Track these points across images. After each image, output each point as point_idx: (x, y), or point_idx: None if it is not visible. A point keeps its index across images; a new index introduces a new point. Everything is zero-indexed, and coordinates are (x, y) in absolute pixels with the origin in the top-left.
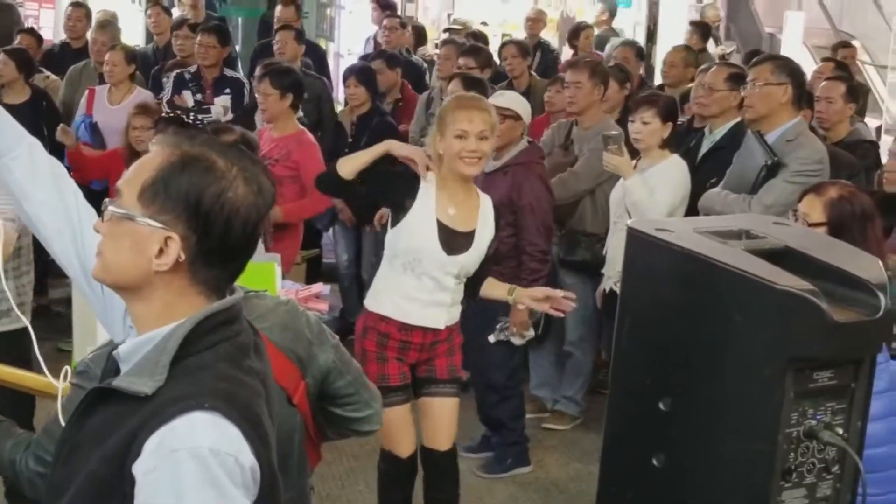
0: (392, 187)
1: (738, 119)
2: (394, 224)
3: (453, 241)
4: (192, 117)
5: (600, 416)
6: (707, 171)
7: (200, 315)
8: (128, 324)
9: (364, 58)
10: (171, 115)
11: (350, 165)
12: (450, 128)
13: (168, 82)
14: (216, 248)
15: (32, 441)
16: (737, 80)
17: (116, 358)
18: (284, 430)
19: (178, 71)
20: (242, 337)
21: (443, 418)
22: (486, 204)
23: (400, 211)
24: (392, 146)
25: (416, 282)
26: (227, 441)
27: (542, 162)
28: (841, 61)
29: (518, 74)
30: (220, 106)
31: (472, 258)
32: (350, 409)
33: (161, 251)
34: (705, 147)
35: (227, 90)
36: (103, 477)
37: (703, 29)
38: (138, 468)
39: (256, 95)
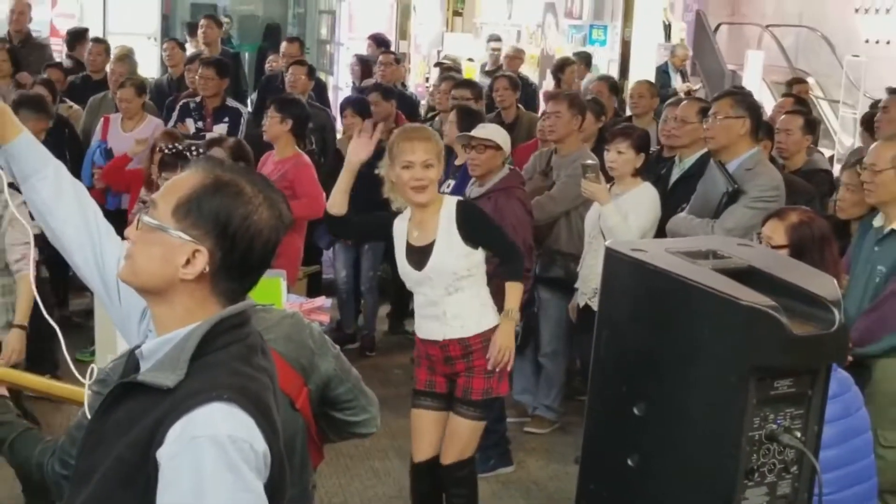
0: (377, 230)
1: (706, 149)
2: None
3: (418, 257)
4: (185, 145)
5: (577, 420)
6: (678, 197)
7: (216, 318)
8: (143, 329)
9: (361, 90)
10: (174, 149)
11: (334, 201)
12: (397, 159)
13: (175, 111)
14: (237, 264)
15: (58, 446)
16: (706, 113)
17: (139, 356)
18: (287, 434)
19: (185, 101)
20: (252, 339)
21: (451, 435)
22: (447, 207)
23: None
24: (349, 163)
25: (417, 298)
26: (242, 429)
27: (521, 186)
28: (800, 96)
29: (507, 106)
30: (217, 134)
31: (439, 263)
32: (349, 413)
33: (188, 262)
34: (675, 175)
35: (226, 119)
36: (129, 461)
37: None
38: (162, 454)
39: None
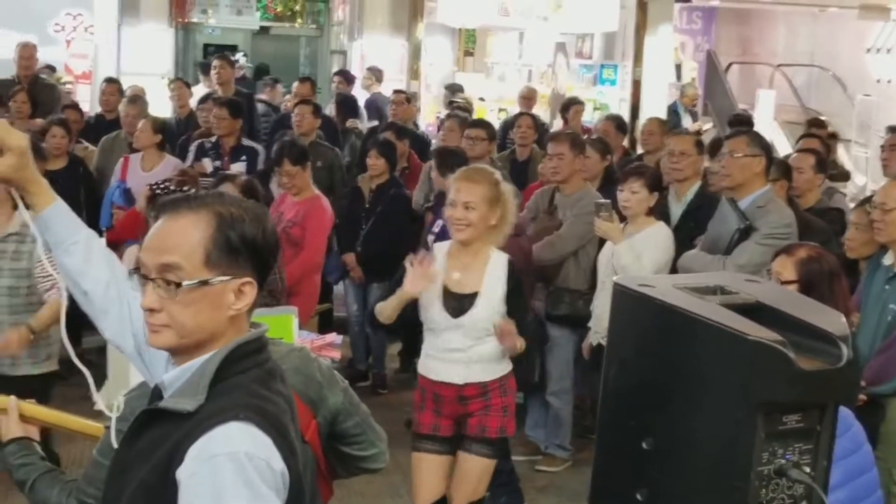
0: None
1: (700, 182)
2: None
3: (457, 304)
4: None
5: (589, 458)
6: (688, 231)
7: (233, 344)
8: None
9: (374, 129)
10: (159, 191)
11: (384, 314)
12: (449, 195)
13: (191, 151)
14: (265, 278)
15: (75, 487)
16: (700, 146)
17: (161, 386)
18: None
19: (200, 141)
20: (270, 364)
21: (464, 475)
22: (496, 262)
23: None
24: (404, 292)
25: (437, 341)
26: (260, 447)
27: (519, 231)
28: (823, 139)
29: (527, 144)
30: (236, 172)
31: (477, 316)
32: (357, 447)
33: (236, 297)
34: (677, 210)
35: (244, 157)
36: (151, 484)
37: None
38: (181, 473)
39: (278, 176)
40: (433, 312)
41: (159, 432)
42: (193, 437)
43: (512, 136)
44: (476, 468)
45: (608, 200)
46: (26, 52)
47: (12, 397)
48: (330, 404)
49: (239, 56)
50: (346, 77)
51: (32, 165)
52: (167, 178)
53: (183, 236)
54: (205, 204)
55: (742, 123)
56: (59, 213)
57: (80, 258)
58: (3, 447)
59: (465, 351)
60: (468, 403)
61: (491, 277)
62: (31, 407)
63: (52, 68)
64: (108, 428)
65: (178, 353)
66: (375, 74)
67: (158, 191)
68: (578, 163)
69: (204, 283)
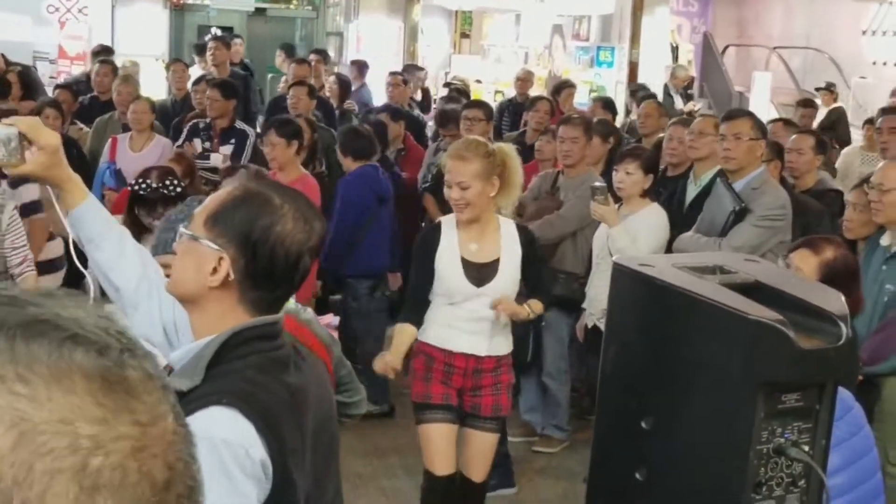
0: (425, 264)
1: (719, 167)
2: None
3: (480, 273)
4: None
5: (586, 439)
6: (692, 217)
7: (236, 328)
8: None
9: (370, 111)
10: (141, 191)
11: (395, 363)
12: (445, 175)
13: (185, 131)
14: (261, 273)
15: None
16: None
17: (171, 363)
18: (334, 410)
19: (194, 121)
20: (278, 353)
21: (481, 452)
22: (507, 229)
23: (433, 261)
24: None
25: (456, 312)
26: (239, 434)
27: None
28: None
29: (540, 128)
30: (221, 154)
31: (500, 283)
32: (347, 395)
33: (215, 269)
34: (692, 193)
35: (233, 140)
36: None
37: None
38: None
39: (263, 148)
40: (455, 283)
41: None
42: None
43: (507, 118)
44: (491, 444)
45: (604, 184)
46: None
47: None
48: (335, 353)
49: (237, 40)
50: (360, 69)
51: (64, 163)
52: (147, 172)
53: (213, 198)
54: (247, 181)
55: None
56: (91, 210)
57: (113, 254)
58: None
59: (486, 320)
60: (481, 377)
61: (507, 244)
62: None
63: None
64: None
65: (185, 307)
66: (359, 68)
67: (140, 191)
68: (589, 148)
69: (195, 238)
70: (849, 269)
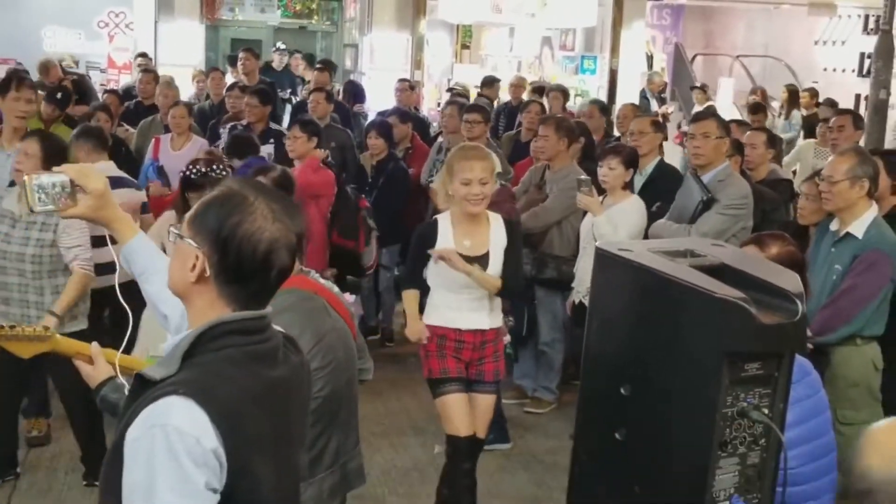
0: (420, 253)
1: (660, 157)
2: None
3: (473, 265)
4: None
5: (571, 402)
6: (648, 199)
7: (211, 322)
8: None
9: (382, 113)
10: (199, 171)
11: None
12: (457, 175)
13: (224, 133)
14: (232, 268)
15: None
16: (658, 125)
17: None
18: (356, 370)
19: (233, 124)
20: (258, 347)
21: (486, 412)
22: (496, 223)
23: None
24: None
25: (457, 296)
26: (192, 423)
27: (510, 200)
28: (759, 103)
29: (532, 127)
30: (265, 154)
31: (492, 271)
32: (360, 362)
33: (194, 266)
34: (639, 182)
35: (272, 140)
36: (117, 443)
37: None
38: (128, 436)
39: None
40: (453, 274)
41: (140, 396)
42: (145, 405)
43: (504, 120)
44: (492, 404)
45: (589, 177)
46: (50, 65)
47: (94, 344)
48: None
49: (281, 46)
50: (411, 85)
51: (112, 204)
52: (196, 160)
53: (199, 200)
54: (231, 183)
55: (831, 104)
56: (140, 246)
57: (160, 286)
58: (99, 388)
59: (487, 300)
60: (485, 347)
61: (495, 237)
62: (110, 352)
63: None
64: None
65: (182, 301)
66: (352, 93)
67: (192, 175)
68: (563, 144)
69: (180, 237)
70: (794, 262)
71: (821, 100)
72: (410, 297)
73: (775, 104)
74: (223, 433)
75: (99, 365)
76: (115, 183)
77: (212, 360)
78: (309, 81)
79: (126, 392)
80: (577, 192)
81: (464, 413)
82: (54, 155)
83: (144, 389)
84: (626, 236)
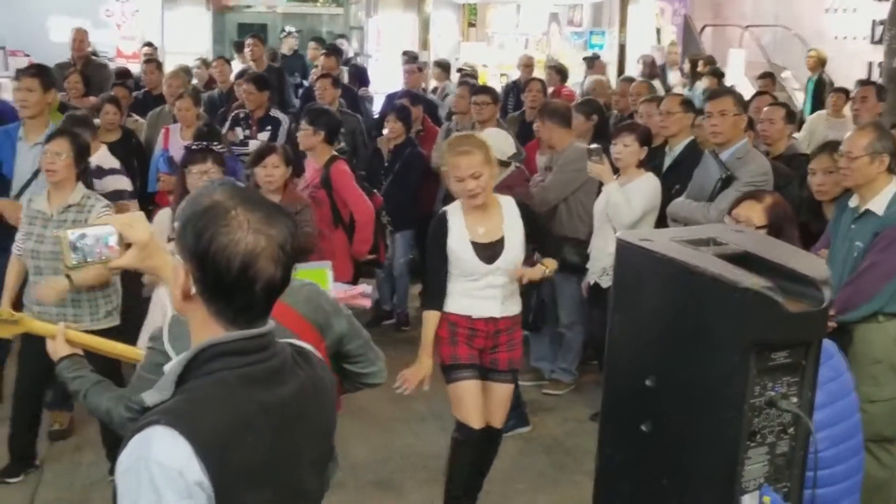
0: (438, 252)
1: (692, 137)
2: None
3: (490, 251)
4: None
5: (589, 383)
6: (671, 182)
7: (202, 345)
8: None
9: (392, 96)
10: (199, 145)
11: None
12: (450, 172)
13: (228, 121)
14: (213, 283)
15: (124, 394)
16: (688, 104)
17: None
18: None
19: (236, 111)
20: (254, 368)
21: (501, 402)
22: (508, 207)
23: (445, 247)
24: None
25: (473, 284)
26: (172, 456)
27: (524, 183)
28: (772, 94)
29: (535, 106)
30: (259, 141)
31: (509, 256)
32: (360, 366)
33: (181, 283)
34: (667, 162)
35: (268, 127)
36: (114, 468)
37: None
38: (119, 465)
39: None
40: (470, 265)
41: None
42: (132, 434)
43: (512, 98)
44: (508, 394)
45: (599, 146)
46: (79, 36)
47: (61, 324)
48: (336, 329)
49: (290, 29)
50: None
51: (158, 253)
52: (199, 137)
53: None
54: (216, 193)
55: (715, 74)
56: None
57: None
58: (56, 364)
59: (503, 287)
60: (499, 336)
61: (509, 222)
62: (76, 333)
63: (94, 54)
64: (149, 349)
65: None
66: (357, 76)
67: (194, 147)
68: (556, 127)
69: (172, 253)
70: (787, 210)
71: (834, 69)
72: (431, 319)
73: (787, 73)
74: (209, 464)
75: (57, 342)
76: (108, 173)
77: (202, 385)
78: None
79: (78, 369)
80: (588, 161)
81: (474, 401)
82: (82, 153)
83: (142, 415)
84: (639, 208)
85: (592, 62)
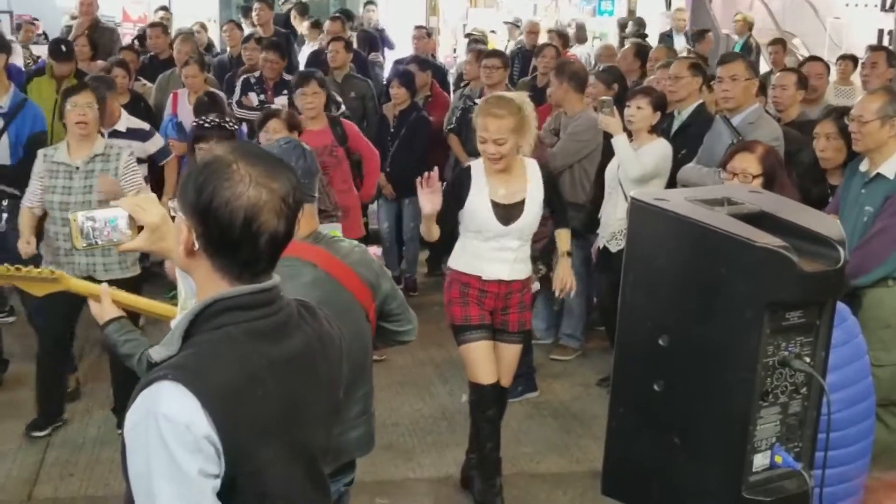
0: (455, 200)
1: (701, 101)
2: (462, 206)
3: (508, 213)
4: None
5: (595, 347)
6: (679, 145)
7: (207, 300)
8: None
9: (399, 62)
10: (210, 122)
11: (431, 236)
12: (478, 129)
13: (237, 86)
14: (217, 238)
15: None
16: (697, 68)
17: None
18: (364, 342)
19: (245, 76)
20: (261, 322)
21: (509, 362)
22: (532, 170)
23: (464, 201)
24: (427, 215)
25: (485, 245)
26: (180, 410)
27: (540, 147)
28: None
29: (547, 71)
30: (280, 105)
31: (526, 220)
32: (397, 324)
33: (185, 239)
34: (675, 125)
35: (285, 91)
36: (122, 423)
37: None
38: (128, 419)
39: (298, 98)
40: (486, 223)
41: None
42: (140, 389)
43: (518, 64)
44: (517, 354)
45: (610, 98)
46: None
47: (104, 284)
48: (383, 290)
49: None
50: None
51: (169, 235)
52: (208, 113)
53: None
54: (219, 149)
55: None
56: None
57: None
58: (104, 328)
59: (515, 251)
60: (510, 297)
61: (532, 185)
62: (121, 293)
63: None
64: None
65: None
66: (367, 42)
67: (204, 124)
68: (567, 88)
69: (175, 210)
70: (778, 157)
71: (845, 36)
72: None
73: (797, 41)
74: (216, 418)
75: (105, 304)
76: (150, 134)
77: (209, 340)
78: (301, 35)
79: (129, 332)
80: (599, 112)
81: (487, 360)
82: (103, 101)
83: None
84: (649, 164)
85: (516, 27)
